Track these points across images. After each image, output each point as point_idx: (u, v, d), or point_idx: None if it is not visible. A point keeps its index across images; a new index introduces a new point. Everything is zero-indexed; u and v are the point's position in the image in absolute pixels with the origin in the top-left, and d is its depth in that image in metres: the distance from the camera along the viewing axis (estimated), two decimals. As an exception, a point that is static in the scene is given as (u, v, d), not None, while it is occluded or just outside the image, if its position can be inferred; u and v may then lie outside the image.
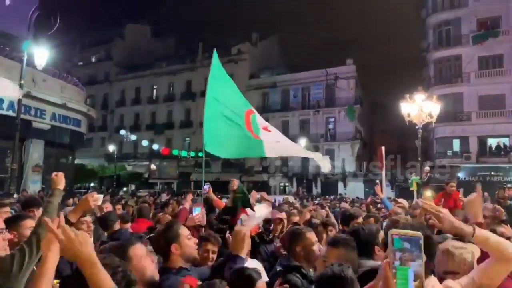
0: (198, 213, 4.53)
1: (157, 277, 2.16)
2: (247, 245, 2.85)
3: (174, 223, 2.78)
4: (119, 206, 7.89)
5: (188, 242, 2.60)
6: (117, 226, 4.64)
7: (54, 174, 2.91)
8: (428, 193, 8.51)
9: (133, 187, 41.13)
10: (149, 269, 2.11)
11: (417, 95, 14.89)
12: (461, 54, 29.65)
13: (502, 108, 28.21)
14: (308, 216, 5.85)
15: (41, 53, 12.64)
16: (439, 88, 28.58)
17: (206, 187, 5.55)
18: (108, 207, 6.15)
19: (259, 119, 6.13)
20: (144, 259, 2.12)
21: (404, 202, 7.82)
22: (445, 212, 1.98)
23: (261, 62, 43.04)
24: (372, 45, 75.30)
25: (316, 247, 3.07)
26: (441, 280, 2.21)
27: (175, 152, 36.41)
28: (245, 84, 42.01)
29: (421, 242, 0.89)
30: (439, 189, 8.27)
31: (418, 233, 0.90)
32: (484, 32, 28.20)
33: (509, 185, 11.71)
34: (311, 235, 3.12)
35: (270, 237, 4.49)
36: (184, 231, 2.64)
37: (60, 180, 2.88)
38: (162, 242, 2.56)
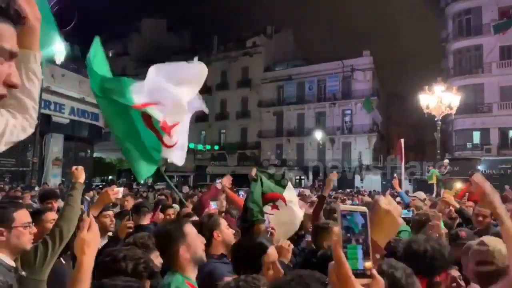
0: (216, 208, 4.57)
1: (204, 258, 2.29)
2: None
3: (213, 214, 3.07)
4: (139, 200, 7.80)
5: (228, 231, 2.81)
6: (148, 218, 4.42)
7: (74, 168, 2.98)
8: (458, 185, 8.36)
9: (150, 180, 41.63)
10: (200, 248, 2.25)
11: (436, 87, 14.61)
12: (482, 44, 28.87)
13: (525, 99, 27.43)
14: None
15: (60, 49, 12.85)
16: (459, 79, 27.93)
17: (218, 182, 5.47)
18: (129, 200, 6.19)
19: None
20: (197, 238, 2.28)
21: (421, 194, 7.69)
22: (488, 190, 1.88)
23: (276, 55, 42.80)
24: (389, 36, 74.02)
25: None
26: (473, 273, 2.14)
27: (191, 145, 36.61)
28: (260, 77, 41.92)
29: (367, 216, 0.86)
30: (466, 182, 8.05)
31: (364, 208, 0.87)
32: (506, 21, 27.32)
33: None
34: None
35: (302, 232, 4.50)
36: (223, 221, 2.87)
37: (80, 173, 2.94)
38: (205, 229, 2.73)
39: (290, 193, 4.19)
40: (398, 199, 6.67)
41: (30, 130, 1.30)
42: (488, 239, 2.18)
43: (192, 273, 2.17)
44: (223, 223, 2.84)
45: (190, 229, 2.30)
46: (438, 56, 36.50)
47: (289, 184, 4.34)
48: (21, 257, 2.21)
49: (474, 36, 29.22)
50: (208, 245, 2.66)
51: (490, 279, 1.94)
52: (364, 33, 71.07)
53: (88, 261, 1.57)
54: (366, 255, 0.83)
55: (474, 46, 29.47)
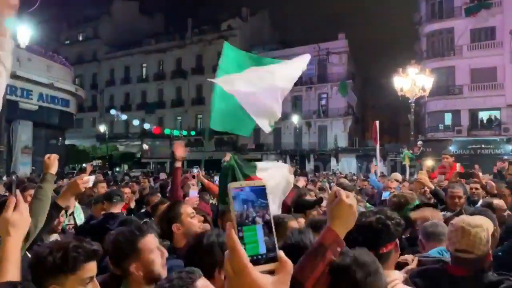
0: (195, 196, 4.49)
1: (164, 275, 1.92)
2: None
3: (175, 203, 2.74)
4: (127, 189, 7.28)
5: (191, 221, 2.58)
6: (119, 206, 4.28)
7: (46, 156, 2.74)
8: (429, 162, 8.55)
9: (125, 167, 40.99)
10: (157, 265, 1.92)
11: (410, 69, 14.77)
12: (453, 27, 29.38)
13: (494, 81, 28.23)
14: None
15: (24, 31, 12.23)
16: (432, 62, 28.41)
17: (196, 170, 5.41)
18: (103, 188, 5.96)
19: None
20: (154, 253, 1.94)
21: (397, 175, 7.82)
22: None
23: (252, 38, 42.35)
24: (364, 19, 74.39)
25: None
26: (452, 256, 2.19)
27: (167, 131, 36.13)
28: (236, 61, 41.49)
29: (266, 191, 0.73)
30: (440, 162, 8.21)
31: (262, 182, 0.74)
32: (476, 4, 27.87)
33: (504, 157, 11.79)
34: (294, 223, 3.00)
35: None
36: (186, 210, 2.62)
37: (52, 163, 2.71)
38: (163, 223, 2.56)
39: (263, 168, 4.20)
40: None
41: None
42: (470, 223, 2.19)
43: None
44: (185, 212, 2.58)
45: (146, 244, 1.92)
46: (412, 39, 37.00)
47: (259, 164, 4.29)
48: None
49: (446, 19, 29.67)
50: (170, 239, 2.51)
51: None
52: (340, 16, 71.25)
53: (13, 242, 1.51)
54: (269, 235, 0.71)
55: (446, 29, 29.96)
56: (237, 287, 0.68)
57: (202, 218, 2.79)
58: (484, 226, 2.15)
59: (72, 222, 4.60)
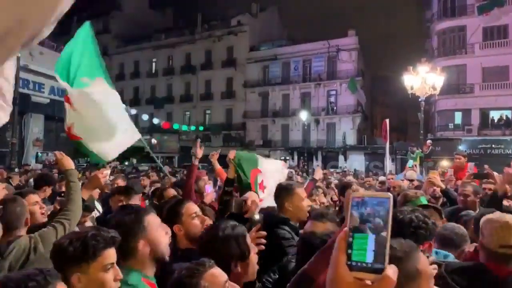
0: (211, 191, 4.62)
1: (167, 255, 2.01)
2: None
3: (177, 203, 2.61)
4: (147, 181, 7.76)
5: (192, 222, 2.45)
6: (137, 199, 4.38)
7: (58, 154, 2.86)
8: (445, 163, 8.48)
9: (134, 161, 41.25)
10: (163, 243, 1.98)
11: (420, 67, 14.64)
12: (465, 25, 29.03)
13: (506, 80, 27.87)
14: None
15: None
16: (443, 60, 28.15)
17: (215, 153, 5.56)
18: (120, 182, 6.10)
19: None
20: (160, 230, 2.01)
21: (414, 175, 7.75)
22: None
23: (261, 34, 42.26)
24: (374, 16, 73.78)
25: (305, 203, 3.08)
26: (495, 253, 2.10)
27: (175, 126, 36.30)
28: (245, 57, 41.44)
29: (389, 205, 0.72)
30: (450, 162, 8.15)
31: (386, 194, 0.74)
32: (489, 2, 27.47)
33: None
34: (301, 191, 3.11)
35: None
36: (188, 209, 2.48)
37: (66, 160, 2.83)
38: (166, 223, 2.39)
39: (263, 164, 4.56)
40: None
41: (4, 120, 1.19)
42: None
43: (151, 270, 1.94)
44: (186, 212, 2.45)
45: (152, 220, 1.98)
46: (423, 37, 36.63)
47: (260, 158, 4.65)
48: (41, 235, 2.33)
49: (458, 17, 29.33)
50: (173, 239, 2.38)
51: None
52: (350, 13, 70.72)
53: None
54: (380, 248, 0.71)
55: (458, 27, 29.62)
56: (330, 283, 0.74)
57: (206, 218, 2.66)
58: None
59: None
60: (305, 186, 4.48)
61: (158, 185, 7.48)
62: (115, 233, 1.72)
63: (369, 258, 0.71)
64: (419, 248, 1.50)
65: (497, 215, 2.22)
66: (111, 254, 1.66)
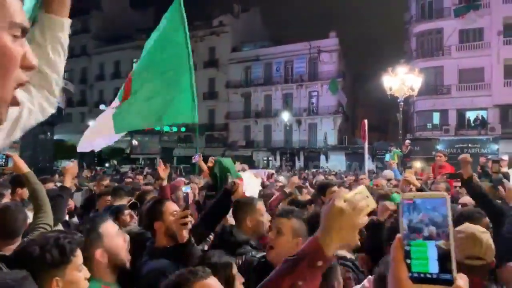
0: (190, 191, 4.58)
1: (127, 262, 2.00)
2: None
3: (158, 201, 2.63)
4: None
5: (172, 219, 2.41)
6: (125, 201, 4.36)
7: (15, 157, 2.78)
8: (418, 164, 8.66)
9: (115, 163, 40.70)
10: (121, 251, 1.97)
11: (399, 68, 14.94)
12: (443, 28, 29.75)
13: (481, 81, 28.68)
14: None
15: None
16: (421, 61, 28.75)
17: (197, 156, 5.54)
18: (107, 182, 6.24)
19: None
20: (117, 238, 1.99)
21: (390, 174, 7.91)
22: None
23: (243, 34, 42.29)
24: (355, 18, 74.72)
25: (265, 218, 2.97)
26: (461, 264, 2.19)
27: (157, 127, 35.93)
28: (227, 58, 41.39)
29: (446, 206, 0.64)
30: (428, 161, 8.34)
31: (441, 194, 0.66)
32: (465, 5, 28.24)
33: (489, 157, 12.00)
34: (262, 206, 3.06)
35: None
36: (169, 206, 2.48)
37: (20, 163, 2.75)
38: (145, 220, 2.43)
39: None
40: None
41: (50, 111, 1.14)
42: (479, 230, 2.23)
43: (111, 277, 1.93)
44: (167, 209, 2.43)
45: (108, 229, 1.95)
46: (402, 39, 37.33)
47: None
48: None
49: (436, 19, 30.02)
50: (153, 237, 2.40)
51: None
52: (331, 14, 71.45)
53: None
54: (444, 256, 0.63)
55: (436, 29, 30.32)
56: None
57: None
58: (488, 233, 2.19)
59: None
60: (273, 198, 4.54)
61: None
62: (78, 234, 1.74)
63: (433, 268, 0.64)
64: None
65: (464, 226, 2.26)
66: (80, 254, 1.67)
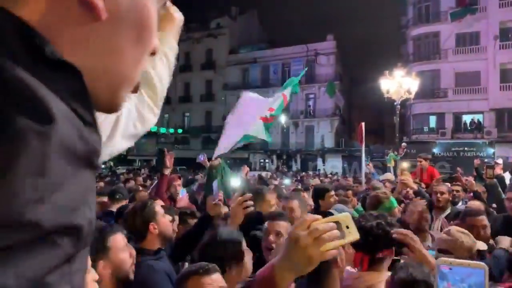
0: (185, 195, 4.60)
1: (132, 275, 1.98)
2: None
3: (150, 201, 2.61)
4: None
5: (165, 220, 2.48)
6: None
7: None
8: (405, 164, 8.65)
9: (111, 164, 40.55)
10: (126, 264, 1.94)
11: (396, 72, 14.99)
12: (439, 31, 29.88)
13: (477, 85, 28.80)
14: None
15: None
16: (418, 65, 28.88)
17: (201, 157, 5.57)
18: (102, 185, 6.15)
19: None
20: (123, 252, 1.95)
21: (390, 176, 7.90)
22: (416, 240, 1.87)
23: (241, 37, 42.32)
24: (352, 21, 74.99)
25: (273, 209, 3.06)
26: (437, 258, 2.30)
27: (153, 128, 35.85)
28: (224, 60, 41.40)
29: (484, 278, 0.62)
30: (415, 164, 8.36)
31: (479, 264, 0.64)
32: (462, 9, 28.38)
33: (485, 160, 12.05)
34: (271, 197, 3.14)
35: None
36: (160, 208, 2.51)
37: None
38: (139, 221, 2.40)
39: None
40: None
41: (153, 121, 1.07)
42: (458, 229, 2.36)
43: None
44: (159, 211, 2.45)
45: (116, 242, 1.90)
46: (399, 42, 37.47)
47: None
48: None
49: (432, 23, 30.16)
50: (142, 239, 2.38)
51: None
52: (328, 17, 71.71)
53: None
54: None
55: (432, 33, 30.44)
56: None
57: (171, 218, 2.67)
58: (472, 238, 2.32)
59: None
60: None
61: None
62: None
63: None
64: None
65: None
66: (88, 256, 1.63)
